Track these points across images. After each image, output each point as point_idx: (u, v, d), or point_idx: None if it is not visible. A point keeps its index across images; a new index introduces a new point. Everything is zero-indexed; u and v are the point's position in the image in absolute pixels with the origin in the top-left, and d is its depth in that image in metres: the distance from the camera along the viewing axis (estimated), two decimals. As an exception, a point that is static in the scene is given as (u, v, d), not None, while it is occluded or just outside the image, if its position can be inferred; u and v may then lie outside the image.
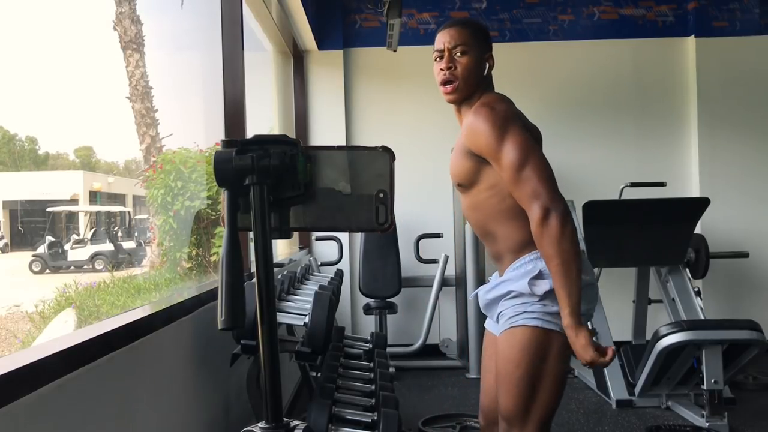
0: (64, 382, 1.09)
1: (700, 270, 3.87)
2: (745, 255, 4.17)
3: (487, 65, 1.72)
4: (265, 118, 4.76)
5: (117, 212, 17.06)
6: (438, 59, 1.72)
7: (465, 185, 1.68)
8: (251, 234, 1.01)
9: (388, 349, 3.53)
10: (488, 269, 4.02)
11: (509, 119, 1.58)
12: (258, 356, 1.43)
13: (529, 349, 1.58)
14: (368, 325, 4.55)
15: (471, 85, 1.69)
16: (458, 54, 1.68)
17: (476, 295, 1.85)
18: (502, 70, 1.93)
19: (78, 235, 14.82)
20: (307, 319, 2.00)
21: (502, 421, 1.68)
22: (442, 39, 1.70)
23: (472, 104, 1.69)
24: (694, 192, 4.62)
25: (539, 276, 1.58)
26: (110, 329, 1.31)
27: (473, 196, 1.68)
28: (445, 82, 1.69)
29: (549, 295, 1.56)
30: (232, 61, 2.59)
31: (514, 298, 1.62)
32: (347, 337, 3.04)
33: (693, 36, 4.67)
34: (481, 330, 4.08)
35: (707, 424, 2.99)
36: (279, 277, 2.49)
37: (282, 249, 4.31)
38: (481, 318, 4.12)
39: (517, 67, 4.60)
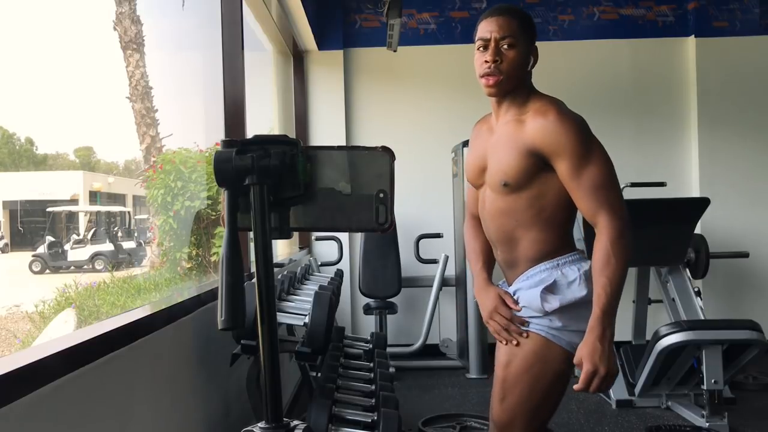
0: (64, 382, 1.09)
1: (700, 270, 3.87)
2: (745, 255, 4.16)
3: (532, 59, 1.61)
4: (265, 118, 4.77)
5: (117, 212, 17.05)
6: (481, 49, 1.59)
7: (512, 186, 1.57)
8: (251, 234, 1.01)
9: (388, 349, 3.53)
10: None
11: (592, 135, 1.55)
12: (258, 356, 1.43)
13: (533, 360, 1.56)
14: (368, 325, 4.55)
15: (515, 81, 1.58)
16: (505, 46, 1.56)
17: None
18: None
19: (78, 235, 14.82)
20: (307, 319, 2.00)
21: (494, 426, 1.68)
22: (489, 27, 1.57)
23: (519, 102, 1.60)
24: (694, 192, 4.62)
25: (553, 288, 1.55)
26: (110, 329, 1.31)
27: (513, 200, 1.58)
28: (490, 75, 1.57)
29: (556, 312, 1.54)
30: (232, 61, 2.59)
31: (523, 308, 1.61)
32: (347, 337, 3.04)
33: (693, 36, 4.67)
34: (481, 331, 4.09)
35: (707, 424, 2.99)
36: (279, 277, 2.49)
37: (282, 249, 4.31)
38: (481, 318, 4.12)
39: (517, 67, 4.60)
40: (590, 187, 1.50)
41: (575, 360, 1.49)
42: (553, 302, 1.54)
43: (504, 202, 1.60)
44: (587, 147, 1.51)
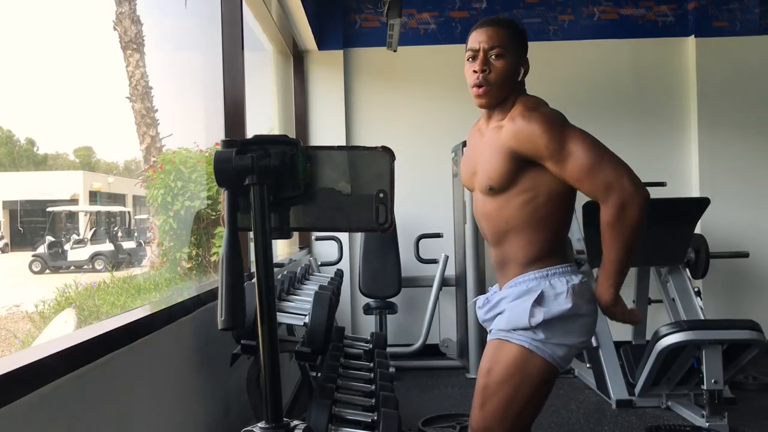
0: (64, 382, 1.09)
1: (700, 270, 3.87)
2: (745, 255, 4.17)
3: (522, 70, 1.63)
4: (265, 118, 4.77)
5: (117, 212, 17.05)
6: (471, 59, 1.61)
7: (497, 189, 1.58)
8: (251, 234, 1.01)
9: (388, 349, 3.53)
10: (488, 270, 4.02)
11: (564, 121, 1.55)
12: (258, 356, 1.43)
13: (514, 370, 1.56)
14: (368, 325, 4.55)
15: (504, 91, 1.60)
16: (494, 56, 1.58)
17: (474, 303, 1.83)
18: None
19: (78, 235, 14.81)
20: (307, 319, 2.00)
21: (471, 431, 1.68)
22: (478, 38, 1.59)
23: (506, 109, 1.62)
24: (694, 192, 4.62)
25: (540, 300, 1.55)
26: (110, 329, 1.31)
27: (503, 201, 1.59)
28: (479, 86, 1.59)
29: (541, 326, 1.54)
30: (232, 61, 2.59)
31: (507, 317, 1.61)
32: (347, 337, 3.04)
33: (693, 36, 4.67)
34: (480, 330, 4.09)
35: (707, 424, 2.99)
36: (279, 277, 2.49)
37: (282, 249, 4.31)
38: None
39: (517, 67, 4.60)
40: (579, 173, 1.51)
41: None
42: (538, 315, 1.53)
43: (494, 204, 1.61)
44: (559, 138, 1.51)
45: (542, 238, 1.59)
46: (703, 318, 3.62)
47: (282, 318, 2.12)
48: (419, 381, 4.02)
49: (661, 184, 4.03)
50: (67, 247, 13.63)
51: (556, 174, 1.54)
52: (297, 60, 4.67)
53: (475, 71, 1.59)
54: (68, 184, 19.11)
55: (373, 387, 2.30)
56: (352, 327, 4.66)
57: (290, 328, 2.63)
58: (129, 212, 17.79)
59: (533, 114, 1.54)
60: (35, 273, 12.81)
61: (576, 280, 1.58)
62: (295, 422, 1.02)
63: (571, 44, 4.71)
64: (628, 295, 4.07)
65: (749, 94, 4.65)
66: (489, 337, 1.67)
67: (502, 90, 1.60)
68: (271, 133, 1.51)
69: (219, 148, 1.02)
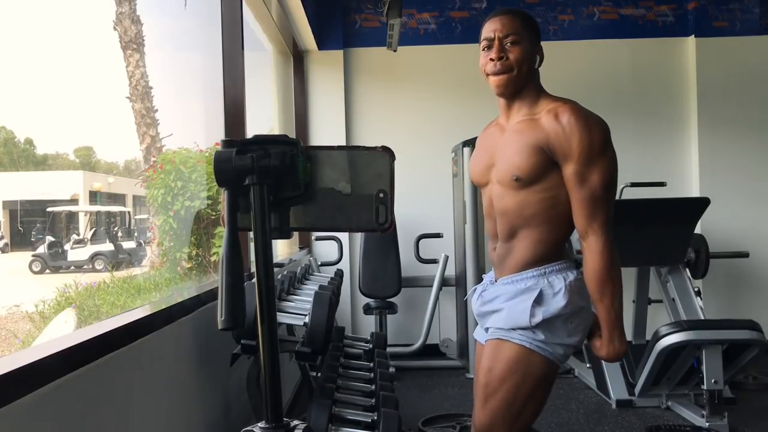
0: (64, 382, 1.09)
1: (700, 270, 3.87)
2: (745, 255, 4.16)
3: (538, 58, 1.63)
4: (265, 118, 4.77)
5: (117, 212, 17.05)
6: (486, 49, 1.62)
7: (524, 181, 1.56)
8: (251, 234, 1.01)
9: (388, 349, 3.53)
10: (488, 270, 4.02)
11: (610, 142, 1.56)
12: (258, 356, 1.43)
13: (515, 367, 1.57)
14: (368, 325, 4.55)
15: (524, 77, 1.60)
16: (509, 43, 1.58)
17: (472, 292, 1.82)
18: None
19: (78, 235, 14.81)
20: (307, 319, 2.00)
21: (475, 431, 1.67)
22: (492, 27, 1.60)
23: (530, 101, 1.61)
24: (694, 192, 4.62)
25: (539, 300, 1.55)
26: (110, 329, 1.31)
27: (526, 195, 1.57)
28: (497, 73, 1.59)
29: (541, 325, 1.54)
30: (232, 61, 2.59)
31: (506, 316, 1.61)
32: (347, 337, 3.04)
33: (693, 36, 4.67)
34: (481, 330, 4.09)
35: (707, 424, 2.99)
36: (279, 277, 2.49)
37: (282, 249, 4.31)
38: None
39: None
40: (587, 198, 1.53)
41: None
42: (538, 315, 1.54)
43: (515, 199, 1.59)
44: (596, 156, 1.52)
45: (552, 238, 1.59)
46: (703, 318, 3.62)
47: (282, 318, 2.12)
48: (419, 381, 4.02)
49: (661, 184, 4.03)
50: (67, 247, 13.64)
51: (568, 181, 1.54)
52: (297, 60, 4.67)
53: (492, 59, 1.59)
54: (68, 184, 19.10)
55: (373, 387, 2.30)
56: (352, 327, 4.66)
57: (290, 328, 2.63)
58: (129, 212, 17.79)
59: (583, 119, 1.53)
60: (35, 273, 12.81)
61: (572, 276, 1.58)
62: (295, 422, 1.02)
63: (571, 44, 4.71)
64: (628, 295, 4.07)
65: (749, 94, 4.65)
66: (487, 336, 1.66)
67: (520, 76, 1.59)
68: (271, 133, 1.51)
69: (219, 148, 1.01)
